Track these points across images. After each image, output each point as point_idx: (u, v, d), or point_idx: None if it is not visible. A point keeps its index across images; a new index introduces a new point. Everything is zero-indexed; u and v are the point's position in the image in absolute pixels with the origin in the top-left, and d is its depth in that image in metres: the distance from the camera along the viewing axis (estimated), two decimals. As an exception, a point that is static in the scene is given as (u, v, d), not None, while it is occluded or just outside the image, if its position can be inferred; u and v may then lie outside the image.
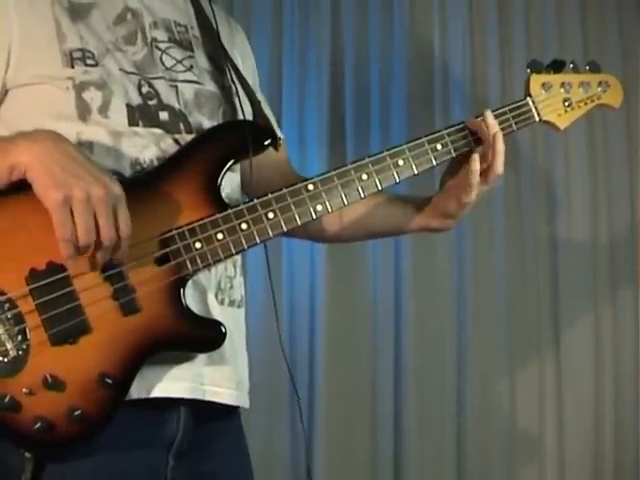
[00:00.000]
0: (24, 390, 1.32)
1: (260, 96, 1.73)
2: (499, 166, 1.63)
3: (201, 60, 1.63)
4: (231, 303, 1.56)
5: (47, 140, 1.35)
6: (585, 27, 2.93)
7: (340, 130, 2.97)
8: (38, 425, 1.31)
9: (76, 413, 1.33)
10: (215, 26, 1.66)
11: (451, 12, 2.98)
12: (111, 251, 1.34)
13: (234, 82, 1.63)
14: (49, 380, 1.32)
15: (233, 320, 1.55)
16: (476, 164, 1.61)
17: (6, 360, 1.33)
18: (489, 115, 1.64)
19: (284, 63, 3.00)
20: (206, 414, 1.51)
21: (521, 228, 2.93)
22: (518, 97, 1.72)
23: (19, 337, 1.34)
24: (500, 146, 1.62)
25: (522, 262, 2.92)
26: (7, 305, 1.34)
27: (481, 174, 1.62)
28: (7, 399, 1.31)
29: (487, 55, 2.95)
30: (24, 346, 1.34)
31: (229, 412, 1.57)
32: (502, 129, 1.65)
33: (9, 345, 1.33)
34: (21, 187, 1.33)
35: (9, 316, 1.33)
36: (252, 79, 1.76)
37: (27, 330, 1.34)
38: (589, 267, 2.89)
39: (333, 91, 2.98)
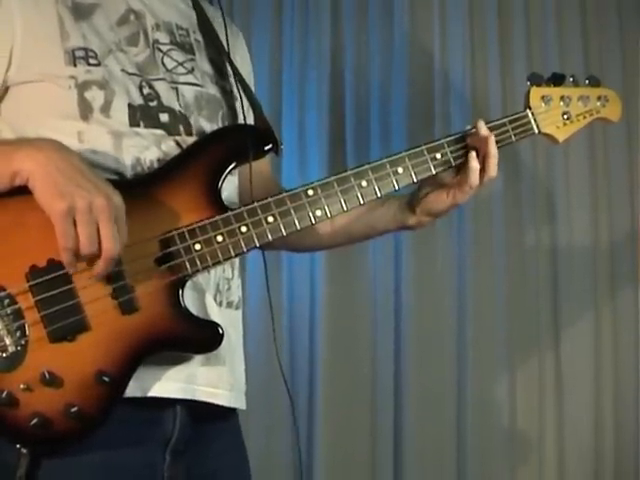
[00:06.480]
0: (21, 386, 1.32)
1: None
2: (492, 169, 1.63)
3: (202, 63, 1.63)
4: (229, 305, 1.57)
5: (51, 149, 1.35)
6: (585, 35, 2.93)
7: (340, 136, 2.96)
8: (35, 421, 1.31)
9: (72, 410, 1.33)
10: (225, 31, 1.67)
11: (451, 21, 2.98)
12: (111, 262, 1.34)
13: (237, 85, 1.64)
14: (46, 376, 1.33)
15: (231, 322, 1.56)
16: (475, 162, 1.62)
17: (4, 355, 1.33)
18: (482, 126, 1.64)
19: (284, 67, 3.00)
20: (203, 414, 1.51)
21: (522, 229, 2.92)
22: (518, 107, 1.73)
23: (18, 333, 1.34)
24: (493, 149, 1.63)
25: (522, 263, 2.91)
26: (7, 301, 1.34)
27: None
28: (4, 394, 1.31)
29: (487, 65, 2.95)
30: (23, 342, 1.34)
31: (226, 413, 1.58)
32: (501, 140, 1.66)
33: (8, 341, 1.33)
34: (22, 187, 1.34)
35: (9, 312, 1.34)
36: (250, 85, 1.77)
37: (26, 326, 1.34)
38: (589, 268, 2.88)
39: (333, 97, 2.98)
